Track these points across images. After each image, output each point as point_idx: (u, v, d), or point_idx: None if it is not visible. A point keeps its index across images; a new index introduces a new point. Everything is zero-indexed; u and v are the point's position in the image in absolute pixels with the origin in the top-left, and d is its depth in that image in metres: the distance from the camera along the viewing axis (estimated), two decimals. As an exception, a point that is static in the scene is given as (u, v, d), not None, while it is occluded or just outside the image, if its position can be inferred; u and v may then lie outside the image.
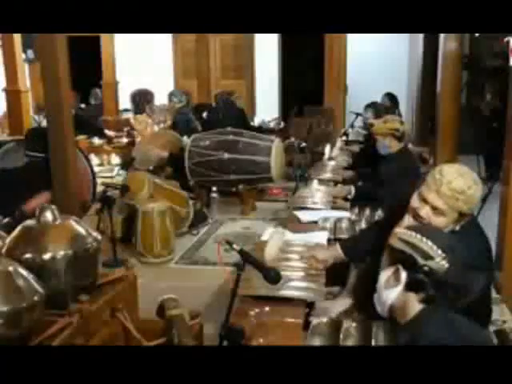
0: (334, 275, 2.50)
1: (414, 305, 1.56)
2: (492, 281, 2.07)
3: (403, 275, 1.56)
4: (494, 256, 3.48)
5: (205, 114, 6.91)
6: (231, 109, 7.29)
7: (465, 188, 1.88)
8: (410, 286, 1.55)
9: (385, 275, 1.63)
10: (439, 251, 1.52)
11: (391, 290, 1.59)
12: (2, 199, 4.11)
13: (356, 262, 2.51)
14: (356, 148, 5.71)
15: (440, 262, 1.51)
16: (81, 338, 2.04)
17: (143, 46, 9.60)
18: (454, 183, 1.89)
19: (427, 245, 1.53)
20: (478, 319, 1.64)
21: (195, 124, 6.99)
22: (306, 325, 2.06)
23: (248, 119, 7.64)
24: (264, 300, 2.13)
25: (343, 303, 2.33)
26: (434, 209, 1.92)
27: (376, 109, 5.06)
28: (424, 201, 1.95)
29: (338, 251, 2.47)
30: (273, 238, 2.51)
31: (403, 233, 1.58)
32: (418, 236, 1.54)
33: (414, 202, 1.99)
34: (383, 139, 3.74)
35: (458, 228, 1.95)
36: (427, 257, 1.52)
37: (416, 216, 1.97)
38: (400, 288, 1.57)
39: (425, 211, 1.94)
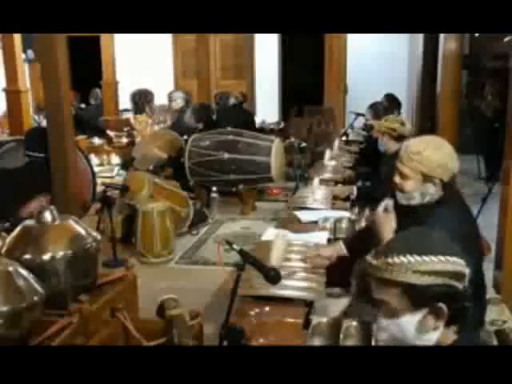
0: (336, 275, 2.50)
1: (451, 336, 1.29)
2: (482, 258, 2.19)
3: (444, 310, 1.24)
4: (494, 256, 3.49)
5: (214, 117, 6.86)
6: (233, 110, 7.33)
7: (420, 149, 2.08)
8: (453, 320, 1.26)
9: (413, 321, 1.27)
10: (462, 261, 1.26)
11: (431, 333, 1.27)
12: (2, 199, 4.12)
13: (358, 259, 2.52)
14: (356, 148, 5.71)
15: (467, 272, 1.27)
16: (81, 338, 2.04)
17: (143, 46, 9.60)
18: (410, 147, 2.12)
19: (452, 263, 1.24)
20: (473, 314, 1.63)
21: (195, 124, 6.97)
22: (307, 323, 2.06)
23: (255, 123, 7.66)
24: (264, 300, 2.13)
25: (343, 302, 2.33)
26: (401, 174, 2.14)
27: (376, 109, 5.05)
28: (397, 172, 2.18)
29: (341, 248, 2.51)
30: (275, 243, 2.51)
31: (412, 264, 1.23)
32: (434, 258, 1.23)
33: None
34: (381, 137, 3.75)
35: (435, 197, 2.11)
36: (461, 277, 1.25)
37: (393, 187, 2.20)
38: (441, 327, 1.27)
39: (396, 178, 2.17)
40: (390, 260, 1.24)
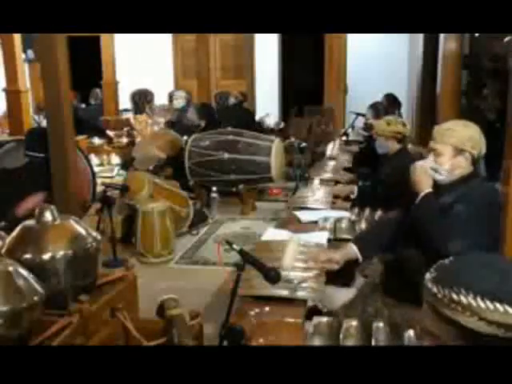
0: (338, 275, 2.51)
1: None
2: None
3: None
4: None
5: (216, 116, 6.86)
6: (233, 110, 7.34)
7: (451, 126, 2.29)
8: None
9: None
10: None
11: None
12: (2, 199, 4.12)
13: (370, 260, 2.52)
14: (356, 148, 5.71)
15: None
16: (81, 338, 2.04)
17: (143, 46, 9.60)
18: (442, 126, 2.33)
19: None
20: None
21: (198, 121, 6.96)
22: (311, 313, 2.07)
23: (255, 122, 7.67)
24: (264, 300, 2.13)
25: (347, 293, 2.33)
26: (434, 152, 2.28)
27: (376, 109, 5.06)
28: (431, 151, 2.33)
29: (353, 250, 2.45)
30: (288, 246, 2.49)
31: (481, 310, 1.02)
32: (509, 309, 1.02)
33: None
34: (385, 141, 3.73)
35: (465, 173, 2.23)
36: None
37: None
38: None
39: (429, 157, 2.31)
40: (454, 296, 1.04)
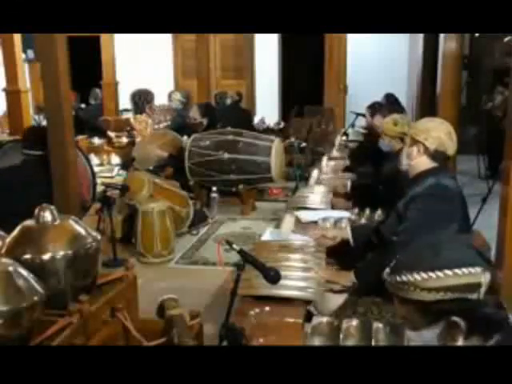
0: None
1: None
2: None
3: (459, 323, 1.19)
4: (495, 255, 3.49)
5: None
6: (231, 109, 7.35)
7: (418, 121, 2.55)
8: (475, 329, 1.20)
9: (433, 334, 1.24)
10: (477, 269, 1.19)
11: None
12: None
13: (359, 249, 2.60)
14: (355, 146, 5.71)
15: (484, 279, 1.19)
16: (81, 338, 2.04)
17: (143, 46, 9.60)
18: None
19: (463, 275, 1.18)
20: None
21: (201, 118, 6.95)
22: (307, 316, 2.07)
23: (252, 121, 7.69)
24: (264, 300, 2.13)
25: (338, 298, 2.34)
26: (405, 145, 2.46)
27: (373, 108, 5.05)
28: None
29: (347, 232, 2.65)
30: (286, 218, 2.72)
31: (419, 282, 1.20)
32: (441, 274, 1.19)
33: None
34: (390, 141, 3.71)
35: (422, 168, 2.33)
36: (475, 287, 1.19)
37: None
38: (461, 339, 1.22)
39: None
40: (398, 278, 1.23)
